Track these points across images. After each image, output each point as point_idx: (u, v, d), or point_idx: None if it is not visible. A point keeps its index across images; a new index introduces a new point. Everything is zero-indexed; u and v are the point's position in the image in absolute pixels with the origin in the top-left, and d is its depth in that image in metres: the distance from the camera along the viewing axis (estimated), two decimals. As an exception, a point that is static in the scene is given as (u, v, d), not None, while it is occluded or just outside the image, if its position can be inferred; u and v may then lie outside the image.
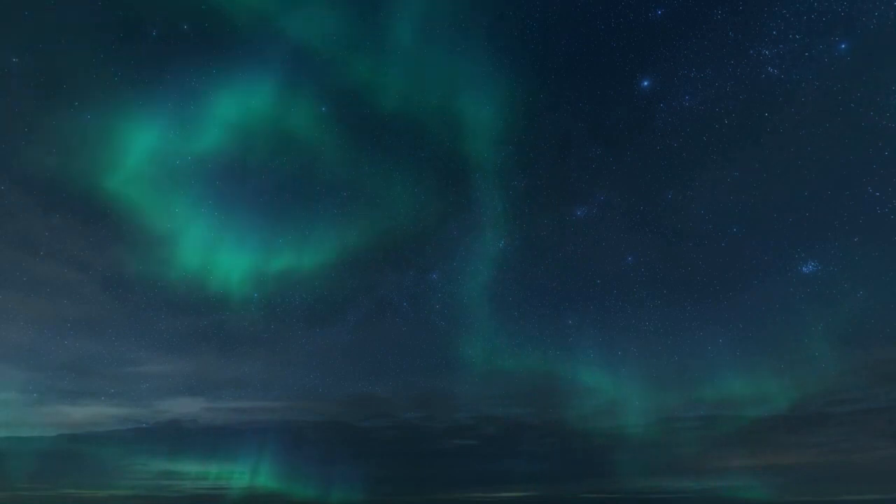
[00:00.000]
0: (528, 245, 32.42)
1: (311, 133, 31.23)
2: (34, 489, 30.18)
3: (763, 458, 30.70)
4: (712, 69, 27.45)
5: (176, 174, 29.79)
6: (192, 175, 30.06)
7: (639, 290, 31.34)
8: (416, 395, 33.76)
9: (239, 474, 32.66)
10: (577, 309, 32.21)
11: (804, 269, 28.72)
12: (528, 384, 33.27)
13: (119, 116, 28.26)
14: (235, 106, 29.80)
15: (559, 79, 30.29)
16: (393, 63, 30.51)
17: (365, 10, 29.17)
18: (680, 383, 31.63)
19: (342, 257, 33.40)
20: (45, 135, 27.48)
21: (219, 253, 31.31)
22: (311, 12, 29.06)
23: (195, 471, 32.69)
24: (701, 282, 30.68)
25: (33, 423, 30.97)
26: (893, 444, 28.12)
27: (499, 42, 29.33)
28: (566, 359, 32.34)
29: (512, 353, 33.27)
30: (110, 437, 32.60)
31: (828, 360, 28.83)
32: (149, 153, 29.14)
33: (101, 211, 29.27)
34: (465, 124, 31.71)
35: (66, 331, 29.77)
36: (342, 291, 34.03)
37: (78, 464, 31.79)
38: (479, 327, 33.55)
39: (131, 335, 30.88)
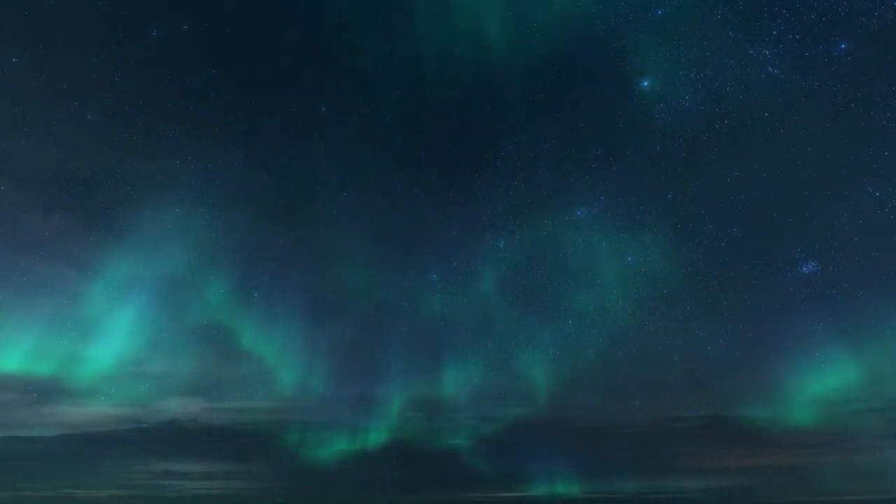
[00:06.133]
0: (528, 245, 32.46)
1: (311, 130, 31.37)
2: (34, 489, 30.20)
3: (763, 458, 30.76)
4: (712, 69, 27.45)
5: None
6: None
7: (639, 290, 31.38)
8: (416, 395, 33.83)
9: (239, 474, 32.72)
10: (577, 309, 32.25)
11: (804, 269, 28.76)
12: (529, 384, 33.36)
13: (120, 116, 28.37)
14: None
15: (559, 79, 30.36)
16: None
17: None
18: (680, 383, 31.69)
19: (342, 257, 33.55)
20: (46, 135, 27.53)
21: (217, 252, 31.41)
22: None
23: (195, 471, 32.72)
24: (701, 282, 30.71)
25: (33, 423, 31.04)
26: (893, 444, 28.16)
27: (499, 42, 29.39)
28: (566, 358, 32.40)
29: (512, 352, 33.36)
30: (110, 437, 32.60)
31: (827, 360, 28.89)
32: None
33: (101, 211, 29.38)
34: (465, 124, 31.90)
35: (66, 331, 29.83)
36: (342, 291, 34.11)
37: (78, 464, 31.81)
38: (479, 327, 33.63)
39: (131, 334, 30.94)
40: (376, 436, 33.56)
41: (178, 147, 29.44)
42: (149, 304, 30.85)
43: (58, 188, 28.71)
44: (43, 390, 30.17)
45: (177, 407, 32.74)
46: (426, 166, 32.47)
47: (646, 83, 28.82)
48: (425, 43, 30.12)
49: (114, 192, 29.11)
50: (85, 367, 30.41)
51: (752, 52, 26.82)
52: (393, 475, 32.79)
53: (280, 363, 32.87)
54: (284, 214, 32.64)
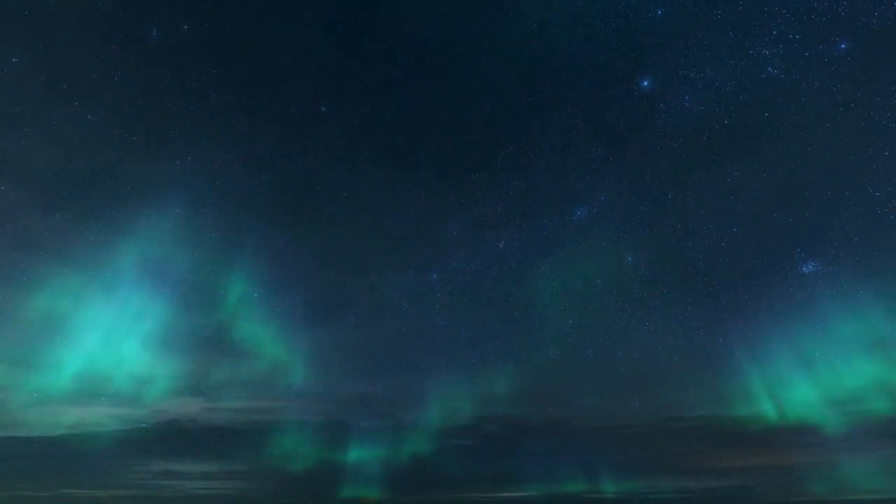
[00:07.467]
0: (528, 245, 32.47)
1: (311, 130, 31.41)
2: (34, 489, 30.18)
3: (763, 458, 30.73)
4: (712, 69, 27.48)
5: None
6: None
7: (639, 290, 31.40)
8: (416, 395, 33.83)
9: (239, 474, 32.69)
10: (577, 309, 32.26)
11: (804, 269, 28.79)
12: (529, 384, 33.36)
13: (120, 116, 28.40)
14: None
15: (559, 79, 30.36)
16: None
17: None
18: (680, 383, 31.69)
19: (342, 257, 33.59)
20: (46, 135, 27.54)
21: (217, 252, 31.41)
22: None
23: (195, 471, 32.70)
24: (701, 282, 30.73)
25: (33, 423, 31.04)
26: (893, 444, 28.14)
27: (499, 42, 29.40)
28: (566, 358, 32.40)
29: (512, 352, 33.36)
30: (110, 437, 32.59)
31: (828, 360, 28.89)
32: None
33: (101, 211, 29.38)
34: (465, 124, 31.88)
35: (65, 331, 29.83)
36: (342, 291, 34.13)
37: (78, 464, 31.77)
38: (479, 327, 33.64)
39: (131, 334, 30.94)
40: (376, 435, 33.60)
41: (178, 147, 29.54)
42: (148, 304, 30.90)
43: (58, 188, 28.78)
44: (42, 390, 30.22)
45: (177, 407, 32.80)
46: (426, 166, 32.52)
47: (646, 83, 28.88)
48: (426, 44, 30.18)
49: (114, 192, 29.19)
50: (84, 367, 30.48)
51: (752, 52, 26.86)
52: (393, 474, 32.78)
53: (280, 363, 32.93)
54: (284, 214, 32.71)
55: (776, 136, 27.66)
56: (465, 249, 32.96)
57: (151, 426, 32.95)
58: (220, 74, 29.20)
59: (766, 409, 30.42)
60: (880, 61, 25.58)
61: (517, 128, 31.15)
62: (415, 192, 32.60)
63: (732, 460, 31.46)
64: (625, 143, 30.22)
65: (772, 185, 28.60)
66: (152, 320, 31.03)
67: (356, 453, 33.39)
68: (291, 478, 32.69)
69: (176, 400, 32.51)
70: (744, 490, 30.10)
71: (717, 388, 31.22)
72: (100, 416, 31.80)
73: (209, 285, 31.43)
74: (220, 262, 31.35)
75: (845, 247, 27.75)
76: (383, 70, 30.85)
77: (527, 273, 32.73)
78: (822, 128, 26.87)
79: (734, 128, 27.90)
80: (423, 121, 31.94)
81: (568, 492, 31.50)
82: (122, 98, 28.21)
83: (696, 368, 31.13)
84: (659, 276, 31.07)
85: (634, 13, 27.57)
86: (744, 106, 27.53)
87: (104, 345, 30.52)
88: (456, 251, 33.10)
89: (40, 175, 28.26)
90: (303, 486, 32.28)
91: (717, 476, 31.27)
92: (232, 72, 29.48)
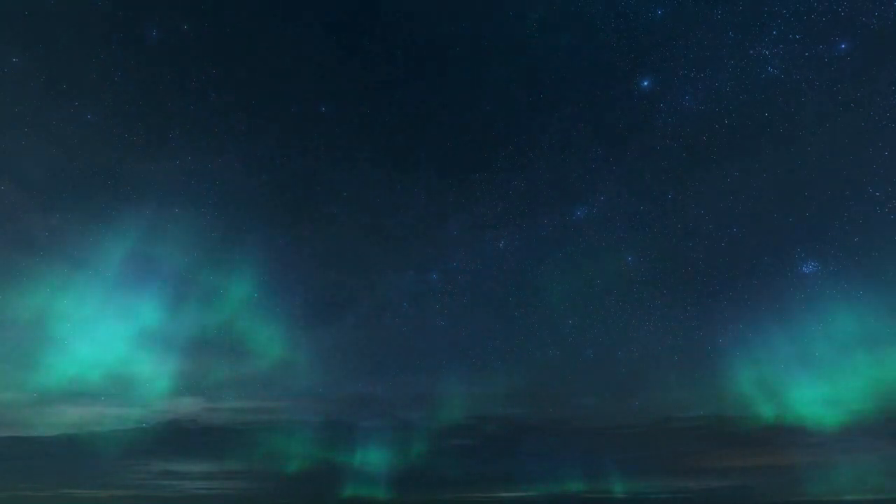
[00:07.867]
0: (528, 245, 32.47)
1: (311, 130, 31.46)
2: (34, 489, 30.19)
3: (762, 458, 30.76)
4: (712, 69, 27.48)
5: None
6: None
7: (639, 290, 31.42)
8: (416, 395, 33.84)
9: (239, 474, 32.70)
10: (577, 309, 32.27)
11: (804, 268, 28.79)
12: (529, 384, 33.38)
13: (120, 116, 28.42)
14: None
15: (559, 79, 30.35)
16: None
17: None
18: (680, 383, 31.69)
19: (342, 257, 33.61)
20: (46, 135, 27.55)
21: (216, 252, 31.42)
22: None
23: (195, 471, 32.71)
24: (701, 282, 30.74)
25: (33, 423, 31.05)
26: (893, 444, 28.15)
27: (499, 42, 29.40)
28: (566, 358, 32.41)
29: (512, 352, 33.36)
30: (110, 437, 32.60)
31: (827, 361, 28.91)
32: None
33: (101, 211, 29.40)
34: (465, 124, 31.88)
35: (65, 331, 29.83)
36: (342, 291, 34.15)
37: (78, 464, 31.79)
38: (479, 327, 33.65)
39: (131, 334, 30.95)
40: (376, 435, 33.62)
41: (178, 147, 29.56)
42: (149, 305, 30.87)
43: (58, 188, 28.78)
44: (43, 390, 30.23)
45: (177, 407, 32.80)
46: (426, 166, 32.53)
47: (646, 83, 28.87)
48: (426, 44, 30.19)
49: (114, 192, 29.19)
50: (84, 367, 30.46)
51: (752, 52, 26.87)
52: (394, 474, 32.80)
53: (280, 363, 32.92)
54: (284, 214, 32.73)
55: (776, 136, 27.71)
56: (465, 249, 32.99)
57: (151, 426, 33.00)
58: (220, 74, 29.22)
59: (766, 409, 30.48)
60: (880, 61, 25.62)
61: (517, 128, 31.17)
62: (415, 192, 32.63)
63: (732, 460, 31.52)
64: (625, 143, 30.25)
65: (772, 185, 28.64)
66: (152, 320, 31.04)
67: (356, 453, 33.43)
68: (291, 478, 32.70)
69: (176, 400, 32.53)
70: (743, 490, 30.12)
71: (717, 388, 31.24)
72: (100, 416, 31.86)
73: (209, 285, 31.44)
74: (220, 262, 31.36)
75: (845, 247, 27.80)
76: (383, 70, 30.86)
77: (527, 273, 32.76)
78: (822, 128, 26.93)
79: (734, 128, 27.94)
80: (423, 121, 31.96)
81: (568, 492, 31.50)
82: (122, 98, 28.26)
83: (697, 368, 31.16)
84: (659, 276, 31.12)
85: (634, 13, 27.59)
86: (744, 106, 27.57)
87: (104, 345, 30.53)
88: (456, 251, 33.13)
89: (40, 175, 28.30)
90: (303, 486, 32.29)
91: (716, 476, 31.31)
92: (232, 72, 29.50)
